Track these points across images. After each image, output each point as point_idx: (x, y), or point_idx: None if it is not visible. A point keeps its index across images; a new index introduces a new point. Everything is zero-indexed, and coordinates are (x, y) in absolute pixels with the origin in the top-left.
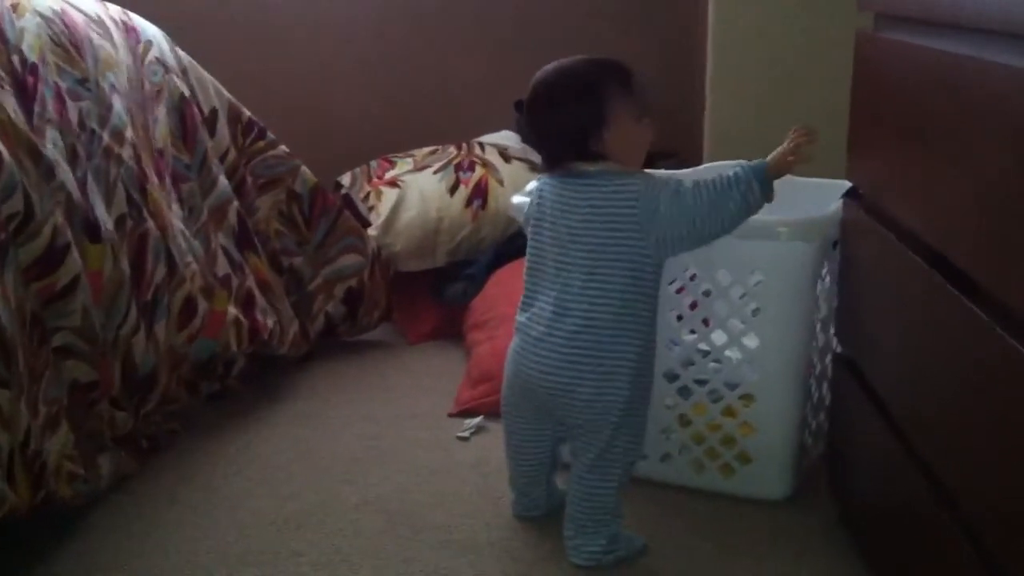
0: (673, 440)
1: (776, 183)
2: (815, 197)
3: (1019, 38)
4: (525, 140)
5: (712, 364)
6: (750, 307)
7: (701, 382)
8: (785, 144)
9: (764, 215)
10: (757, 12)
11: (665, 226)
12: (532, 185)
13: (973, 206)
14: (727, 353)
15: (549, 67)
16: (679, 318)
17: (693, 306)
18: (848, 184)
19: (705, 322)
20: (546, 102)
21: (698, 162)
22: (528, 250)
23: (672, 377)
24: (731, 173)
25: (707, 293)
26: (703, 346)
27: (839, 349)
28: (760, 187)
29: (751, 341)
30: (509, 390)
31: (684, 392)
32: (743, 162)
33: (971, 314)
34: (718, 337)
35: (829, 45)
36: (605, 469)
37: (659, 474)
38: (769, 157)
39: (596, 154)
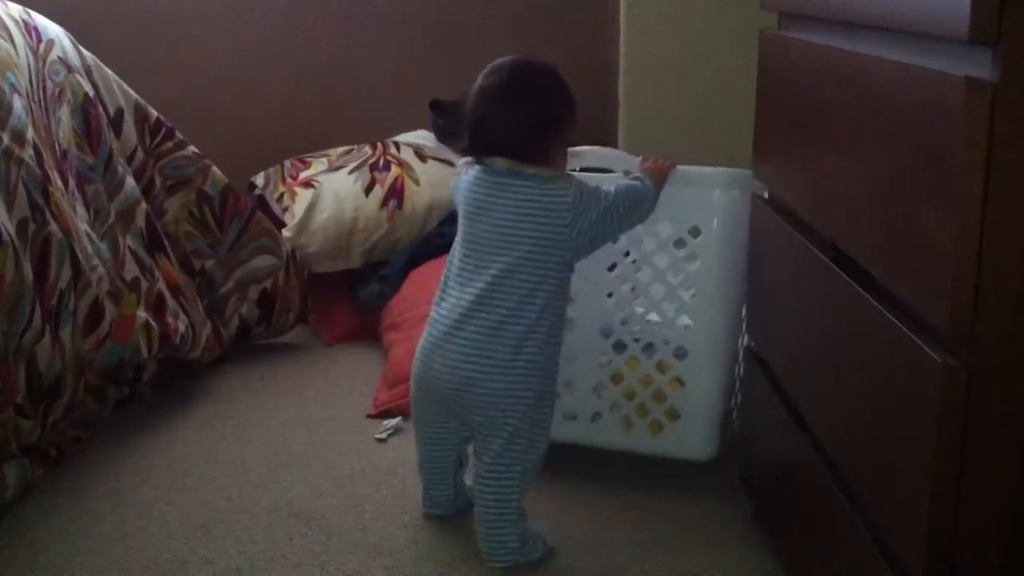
0: (604, 398)
1: (678, 172)
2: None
3: (914, 35)
4: (441, 139)
5: (649, 316)
6: (689, 261)
7: (636, 339)
8: (655, 162)
9: (694, 168)
10: (669, 5)
11: (588, 234)
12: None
13: (866, 200)
14: (663, 306)
15: (517, 59)
16: (613, 267)
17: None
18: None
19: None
20: (514, 91)
21: None
22: (454, 245)
23: (607, 332)
24: (637, 184)
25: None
26: (641, 301)
27: (751, 344)
28: (655, 199)
29: (687, 295)
30: (416, 385)
31: (619, 347)
32: (629, 174)
33: (866, 304)
34: (656, 291)
35: (741, 39)
36: (506, 467)
37: (588, 436)
38: (649, 174)
39: (538, 155)
